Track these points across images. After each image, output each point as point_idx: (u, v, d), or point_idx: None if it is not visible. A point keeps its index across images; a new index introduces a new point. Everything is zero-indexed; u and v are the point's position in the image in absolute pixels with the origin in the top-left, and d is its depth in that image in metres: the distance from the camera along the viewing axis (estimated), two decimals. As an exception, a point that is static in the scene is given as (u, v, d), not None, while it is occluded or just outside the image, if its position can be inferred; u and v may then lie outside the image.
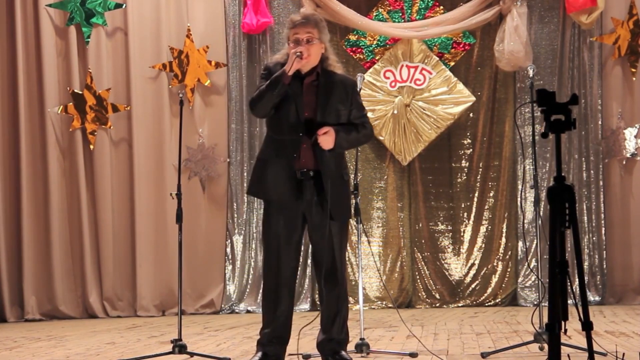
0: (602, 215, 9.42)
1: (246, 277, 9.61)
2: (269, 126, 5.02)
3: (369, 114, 9.40)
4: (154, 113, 9.63)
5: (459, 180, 9.74)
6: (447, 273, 9.65)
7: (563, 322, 3.33)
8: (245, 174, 9.56)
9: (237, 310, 9.51)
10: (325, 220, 4.89)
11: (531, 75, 5.95)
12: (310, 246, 5.13)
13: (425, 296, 9.62)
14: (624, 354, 4.81)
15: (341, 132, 4.90)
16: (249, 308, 9.45)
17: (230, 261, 9.65)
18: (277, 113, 4.93)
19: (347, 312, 5.06)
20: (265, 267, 5.06)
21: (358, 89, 5.84)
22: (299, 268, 9.26)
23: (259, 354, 5.00)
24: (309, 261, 9.23)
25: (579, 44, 9.51)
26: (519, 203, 9.46)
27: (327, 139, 4.85)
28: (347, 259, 9.57)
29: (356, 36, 9.77)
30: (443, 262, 9.69)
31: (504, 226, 9.63)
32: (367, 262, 9.55)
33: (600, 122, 9.46)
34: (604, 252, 9.40)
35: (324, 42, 5.02)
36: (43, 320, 9.29)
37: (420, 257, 9.69)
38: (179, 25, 9.68)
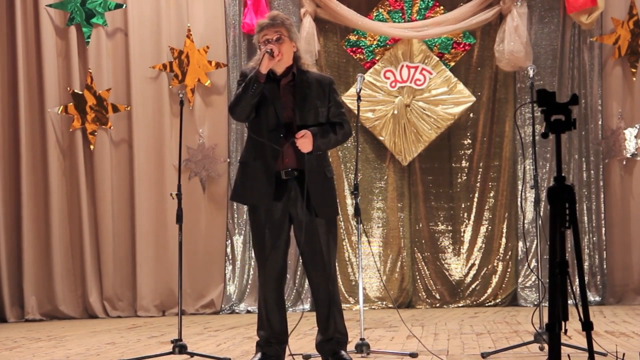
0: (602, 215, 9.41)
1: (246, 277, 9.60)
2: (250, 129, 5.01)
3: (369, 114, 9.56)
4: (154, 113, 9.63)
5: (459, 180, 9.73)
6: (447, 273, 9.65)
7: (563, 322, 3.33)
8: (245, 174, 9.55)
9: (237, 311, 9.51)
10: (310, 217, 4.89)
11: (531, 76, 5.95)
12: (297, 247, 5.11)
13: (425, 296, 9.62)
14: (624, 354, 4.81)
15: (319, 135, 4.90)
16: (249, 308, 9.44)
17: (230, 261, 9.65)
18: (257, 116, 4.93)
19: (341, 309, 5.04)
20: (258, 269, 5.08)
21: (358, 89, 5.87)
22: (299, 269, 9.35)
23: (259, 354, 5.00)
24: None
25: (579, 44, 9.51)
26: (519, 203, 9.46)
27: (305, 141, 4.85)
28: (347, 259, 9.58)
29: (356, 36, 9.77)
30: (443, 262, 9.68)
31: (504, 226, 9.62)
32: (367, 262, 9.55)
33: (600, 122, 9.46)
34: (604, 252, 9.39)
35: (295, 42, 5.01)
36: (43, 320, 9.29)
37: (421, 257, 9.68)
38: (179, 25, 9.68)
